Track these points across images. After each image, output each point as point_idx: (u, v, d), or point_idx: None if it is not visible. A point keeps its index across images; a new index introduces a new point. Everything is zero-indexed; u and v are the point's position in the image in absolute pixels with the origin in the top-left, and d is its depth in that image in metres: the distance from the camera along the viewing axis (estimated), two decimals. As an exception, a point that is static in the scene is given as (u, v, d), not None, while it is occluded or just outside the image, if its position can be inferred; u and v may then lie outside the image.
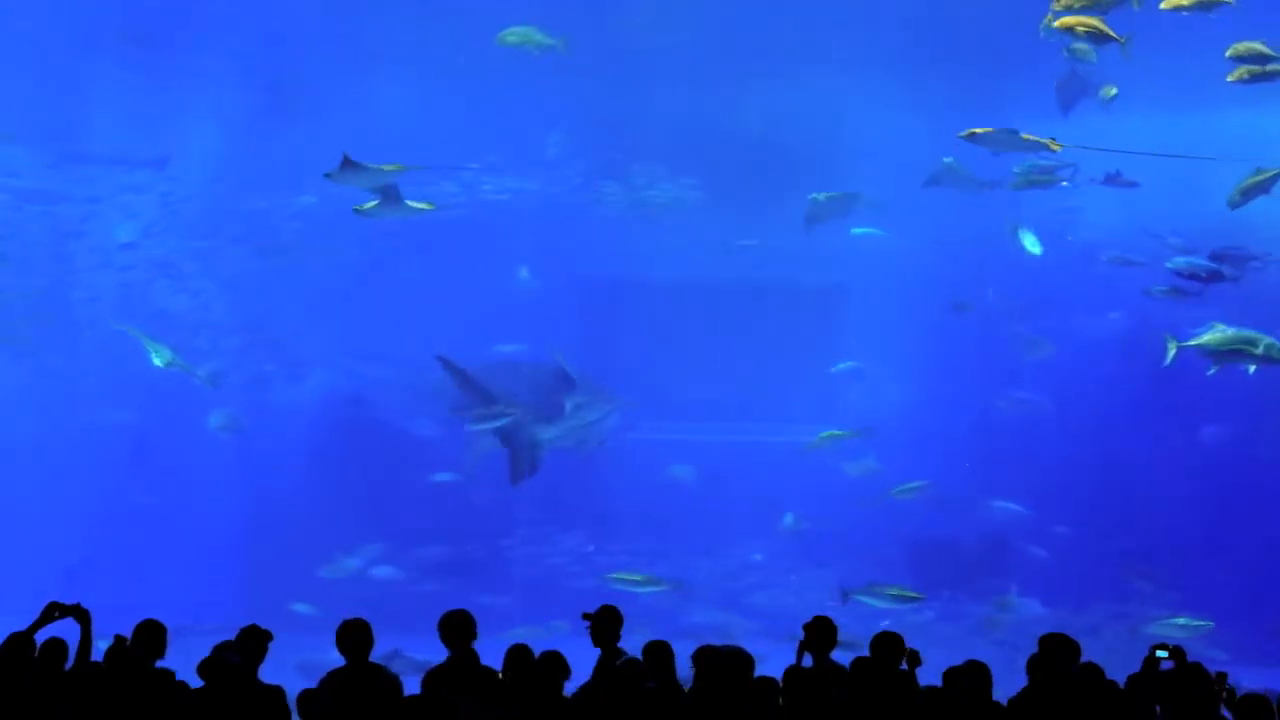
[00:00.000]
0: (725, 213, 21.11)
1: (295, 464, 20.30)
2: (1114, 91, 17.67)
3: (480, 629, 7.72)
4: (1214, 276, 17.83)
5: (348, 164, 15.24)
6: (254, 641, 7.72)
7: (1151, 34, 15.21)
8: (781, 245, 21.21)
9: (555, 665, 7.29)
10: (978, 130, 15.33)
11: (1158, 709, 7.56)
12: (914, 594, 16.90)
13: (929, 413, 20.65)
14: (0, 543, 18.88)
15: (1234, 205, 17.69)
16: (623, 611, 8.07)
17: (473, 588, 17.44)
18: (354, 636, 7.57)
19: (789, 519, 19.88)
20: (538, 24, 18.06)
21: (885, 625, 10.11)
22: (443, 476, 19.93)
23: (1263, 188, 17.39)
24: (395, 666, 8.35)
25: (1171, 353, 16.41)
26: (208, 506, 20.30)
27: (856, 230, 20.74)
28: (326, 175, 15.44)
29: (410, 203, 16.02)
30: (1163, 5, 14.86)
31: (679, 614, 18.44)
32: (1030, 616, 17.83)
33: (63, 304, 21.25)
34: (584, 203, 21.76)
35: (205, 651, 7.45)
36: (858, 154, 19.36)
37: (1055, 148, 15.45)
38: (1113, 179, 19.15)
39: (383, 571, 19.61)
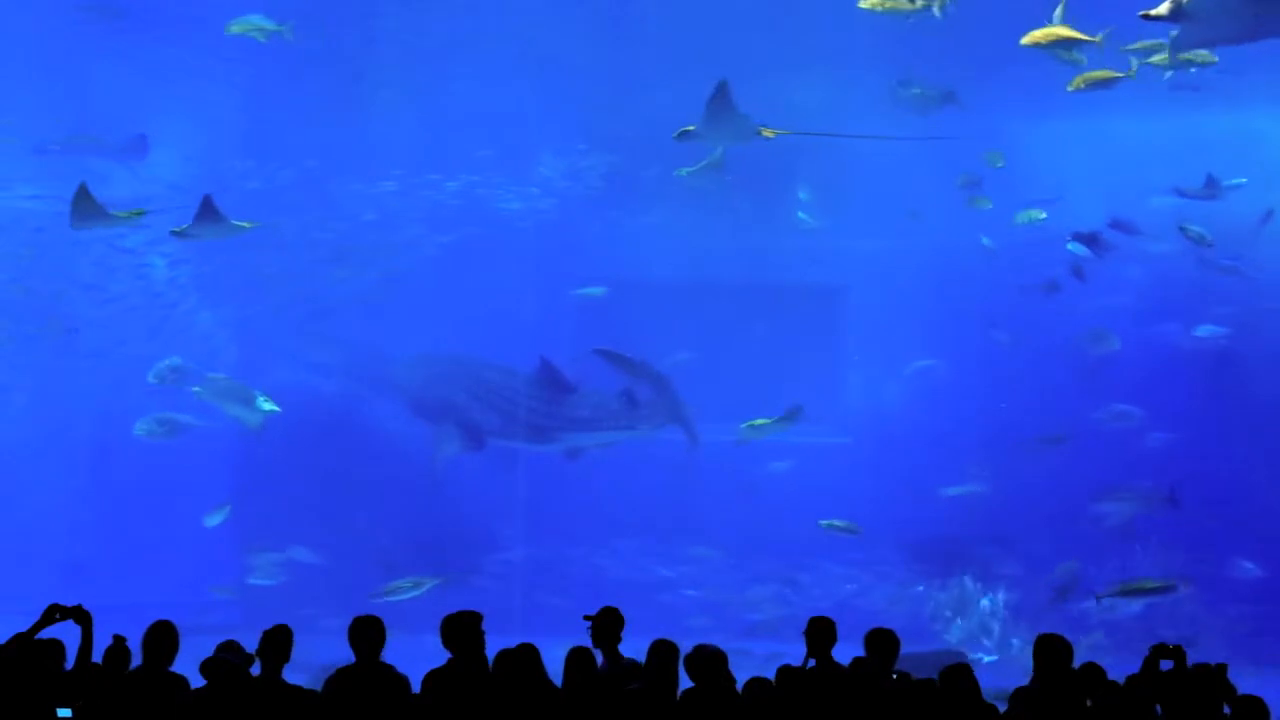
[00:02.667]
0: (723, 213, 21.13)
1: (305, 462, 20.02)
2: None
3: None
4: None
5: (83, 199, 13.89)
6: (277, 641, 7.53)
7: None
8: (783, 246, 21.29)
9: (527, 658, 7.36)
10: (689, 128, 15.40)
11: (1158, 709, 7.58)
12: (1167, 583, 15.55)
13: (937, 415, 20.52)
14: (3, 542, 18.93)
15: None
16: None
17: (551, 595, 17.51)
18: (366, 633, 7.51)
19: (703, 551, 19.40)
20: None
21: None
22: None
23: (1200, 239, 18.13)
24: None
25: None
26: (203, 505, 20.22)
27: (801, 215, 20.93)
28: (72, 225, 14.25)
29: (235, 222, 15.10)
30: (1023, 41, 14.95)
31: (737, 615, 18.33)
32: (1128, 613, 17.28)
33: (81, 305, 21.11)
34: (583, 204, 21.78)
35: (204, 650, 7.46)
36: (858, 154, 19.33)
37: (769, 134, 15.57)
38: (1186, 192, 18.70)
39: (301, 554, 18.82)
